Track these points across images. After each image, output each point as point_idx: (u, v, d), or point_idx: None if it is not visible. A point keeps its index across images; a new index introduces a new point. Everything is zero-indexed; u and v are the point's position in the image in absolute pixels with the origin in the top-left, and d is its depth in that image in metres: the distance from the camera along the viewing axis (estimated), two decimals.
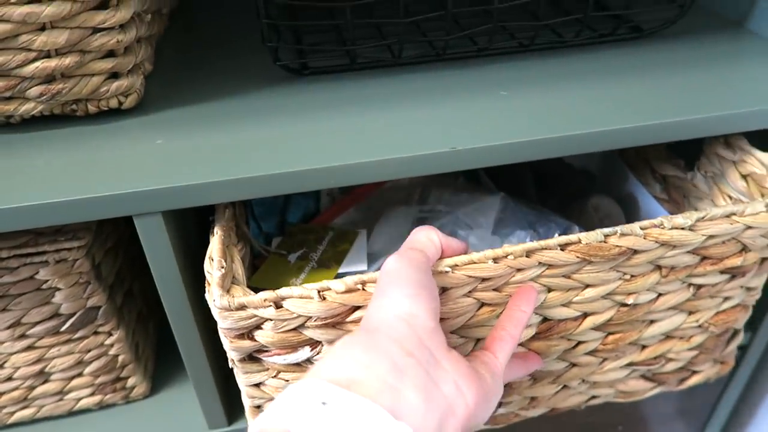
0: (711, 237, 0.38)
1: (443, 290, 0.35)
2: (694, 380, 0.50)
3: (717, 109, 0.40)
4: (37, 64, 0.36)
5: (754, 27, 0.52)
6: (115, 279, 0.47)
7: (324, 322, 0.34)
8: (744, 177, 0.44)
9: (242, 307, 0.33)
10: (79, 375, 0.48)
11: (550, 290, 0.38)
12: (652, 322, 0.43)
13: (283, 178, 0.36)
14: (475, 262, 0.35)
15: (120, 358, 0.48)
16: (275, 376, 0.38)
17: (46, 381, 0.47)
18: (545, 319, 0.40)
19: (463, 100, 0.42)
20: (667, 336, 0.44)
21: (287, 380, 0.38)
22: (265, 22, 0.41)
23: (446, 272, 0.34)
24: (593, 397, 0.48)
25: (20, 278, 0.41)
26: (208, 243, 0.38)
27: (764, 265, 0.43)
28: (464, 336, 0.38)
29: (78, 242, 0.41)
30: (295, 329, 0.35)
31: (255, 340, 0.35)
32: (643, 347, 0.45)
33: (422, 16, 0.43)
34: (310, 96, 0.44)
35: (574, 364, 0.44)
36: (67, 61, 0.37)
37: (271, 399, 0.40)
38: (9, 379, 0.46)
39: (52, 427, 0.50)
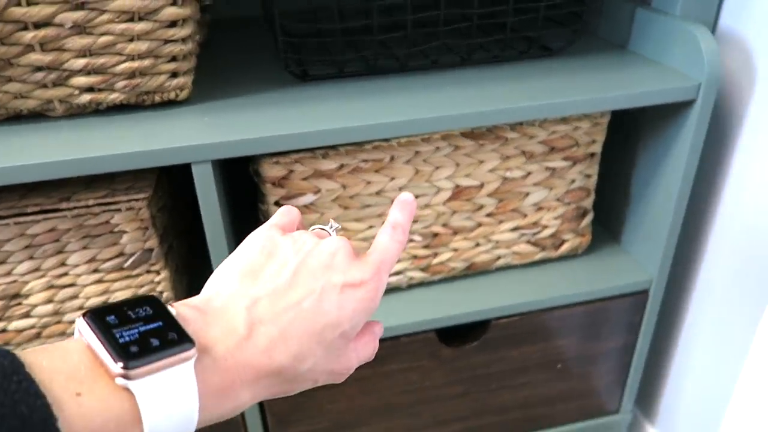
0: (553, 132, 0.63)
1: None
2: (565, 247, 0.73)
3: (594, 93, 0.58)
4: (126, 64, 0.53)
5: (633, 47, 0.71)
6: (163, 231, 0.62)
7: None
8: None
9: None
10: None
11: (457, 164, 0.62)
12: (527, 194, 0.66)
13: (292, 138, 0.53)
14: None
15: (164, 296, 0.62)
16: None
17: None
18: (457, 186, 0.64)
19: (420, 94, 0.60)
20: (539, 207, 0.68)
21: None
22: (281, 39, 0.58)
23: None
24: (498, 257, 0.70)
25: (100, 222, 0.56)
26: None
27: (594, 158, 0.68)
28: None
29: (143, 194, 0.56)
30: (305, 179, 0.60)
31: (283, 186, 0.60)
32: (525, 215, 0.68)
33: (388, 35, 0.62)
34: (310, 93, 0.61)
35: (480, 224, 0.67)
36: (146, 62, 0.53)
37: None
38: (80, 308, 0.60)
39: None
